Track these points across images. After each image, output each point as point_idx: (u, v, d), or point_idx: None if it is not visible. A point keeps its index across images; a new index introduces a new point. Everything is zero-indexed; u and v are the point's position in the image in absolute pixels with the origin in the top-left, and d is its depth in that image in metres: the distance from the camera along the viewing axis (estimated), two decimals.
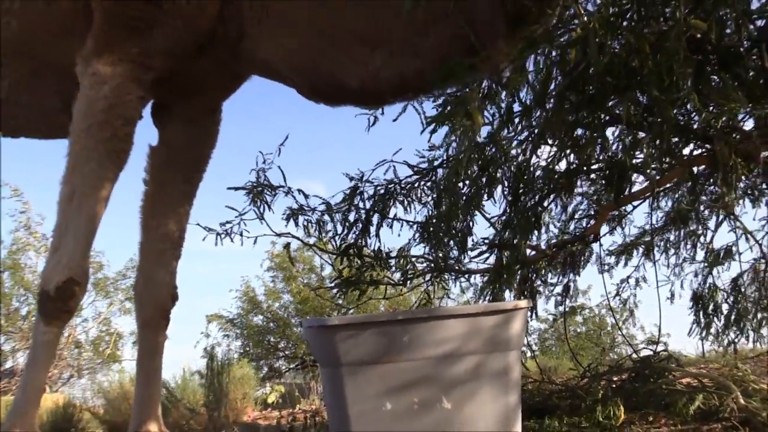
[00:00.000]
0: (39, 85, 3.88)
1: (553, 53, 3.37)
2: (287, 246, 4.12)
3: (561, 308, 4.44)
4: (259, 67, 3.66)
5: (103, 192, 3.39)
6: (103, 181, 3.38)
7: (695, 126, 3.47)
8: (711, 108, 3.35)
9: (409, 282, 4.13)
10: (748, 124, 3.49)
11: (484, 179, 3.65)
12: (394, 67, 3.26)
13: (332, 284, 4.57)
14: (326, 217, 3.91)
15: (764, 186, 3.89)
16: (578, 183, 3.88)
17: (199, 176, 4.08)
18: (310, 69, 3.44)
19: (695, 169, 3.66)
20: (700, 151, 3.60)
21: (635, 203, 4.03)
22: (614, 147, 3.66)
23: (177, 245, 4.00)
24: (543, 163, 3.85)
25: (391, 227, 3.91)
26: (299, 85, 3.55)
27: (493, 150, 3.62)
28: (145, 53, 3.43)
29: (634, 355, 4.05)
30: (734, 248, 4.17)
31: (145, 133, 4.12)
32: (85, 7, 3.54)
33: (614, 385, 3.73)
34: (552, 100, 3.46)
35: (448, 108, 3.38)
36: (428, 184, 3.85)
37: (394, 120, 3.59)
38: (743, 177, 3.64)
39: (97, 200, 3.39)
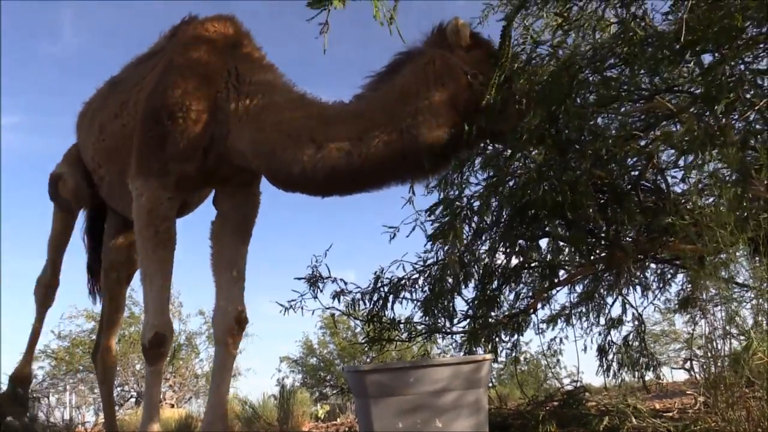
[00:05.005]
0: (123, 182, 3.49)
1: (503, 190, 3.36)
2: (332, 315, 4.05)
3: (511, 357, 4.33)
4: (238, 157, 3.17)
5: (164, 270, 3.15)
6: (162, 264, 3.14)
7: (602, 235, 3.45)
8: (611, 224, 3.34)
9: (412, 339, 4.06)
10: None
11: (462, 274, 3.61)
12: (329, 162, 2.82)
13: (362, 340, 4.49)
14: (358, 297, 3.85)
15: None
16: (522, 275, 3.83)
17: (247, 233, 3.62)
18: (268, 156, 2.98)
19: (598, 266, 3.62)
20: (600, 252, 3.58)
21: (559, 288, 3.98)
22: (546, 252, 3.63)
23: (238, 284, 3.51)
24: (497, 261, 3.84)
25: (401, 303, 3.85)
26: (260, 168, 3.13)
27: (467, 255, 3.59)
28: (163, 165, 3.14)
29: (562, 388, 3.93)
30: (624, 317, 4.09)
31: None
32: None
33: (549, 410, 3.60)
34: (504, 223, 3.45)
35: (443, 229, 3.34)
36: (425, 276, 3.80)
37: (407, 236, 3.52)
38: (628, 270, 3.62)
39: (162, 276, 3.14)
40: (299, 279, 3.80)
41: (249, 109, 3.07)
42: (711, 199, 2.95)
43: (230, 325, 3.38)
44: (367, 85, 2.99)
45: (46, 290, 4.27)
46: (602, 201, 3.27)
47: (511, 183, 3.29)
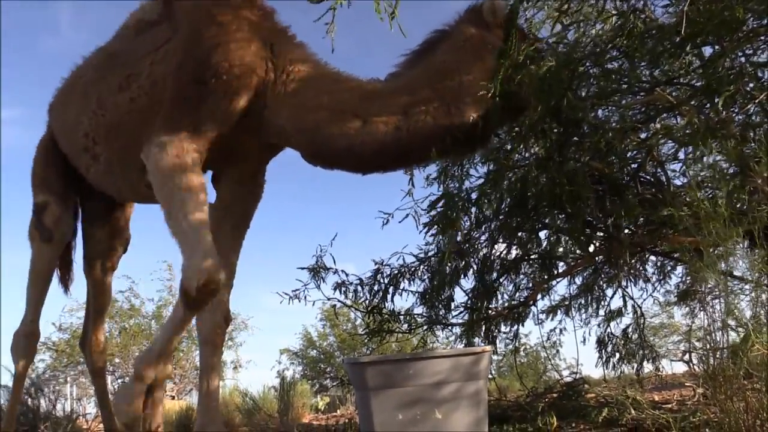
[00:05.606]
0: (125, 159, 3.33)
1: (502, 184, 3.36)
2: (334, 306, 4.04)
3: (510, 347, 4.36)
4: (275, 133, 3.06)
5: (199, 217, 2.80)
6: (195, 205, 2.81)
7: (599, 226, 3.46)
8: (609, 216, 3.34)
9: (412, 331, 4.07)
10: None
11: (461, 264, 3.62)
12: (377, 136, 2.79)
13: (362, 332, 4.51)
14: (360, 288, 3.86)
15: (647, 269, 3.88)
16: (522, 267, 3.84)
17: (245, 227, 3.46)
18: (312, 131, 2.91)
19: (597, 258, 3.64)
20: (600, 244, 3.60)
21: (558, 279, 3.99)
22: (544, 243, 3.64)
23: (228, 280, 3.33)
24: (496, 253, 3.85)
25: (401, 295, 3.87)
26: (302, 144, 3.01)
27: (467, 245, 3.59)
28: (196, 124, 2.94)
29: (561, 380, 3.96)
30: (623, 309, 4.11)
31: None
32: (159, 102, 3.12)
33: (549, 401, 3.62)
34: (503, 214, 3.45)
35: (437, 218, 3.35)
36: (425, 267, 3.81)
37: (400, 222, 3.44)
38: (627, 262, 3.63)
39: (200, 221, 2.80)
40: (302, 269, 3.80)
41: (287, 83, 2.98)
42: (710, 192, 2.95)
43: (219, 322, 3.26)
44: (403, 63, 2.98)
45: (28, 341, 3.75)
46: (600, 193, 3.28)
47: (510, 175, 3.29)
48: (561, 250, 3.55)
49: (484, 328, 3.83)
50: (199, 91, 2.93)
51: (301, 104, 2.93)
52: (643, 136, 3.15)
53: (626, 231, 3.47)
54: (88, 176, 3.65)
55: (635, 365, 4.21)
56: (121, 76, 3.32)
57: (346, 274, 3.85)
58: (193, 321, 3.25)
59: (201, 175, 2.91)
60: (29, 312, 3.75)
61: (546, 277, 3.75)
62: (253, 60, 2.99)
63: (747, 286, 2.60)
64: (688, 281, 3.84)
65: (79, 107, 3.52)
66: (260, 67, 3.00)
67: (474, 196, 3.37)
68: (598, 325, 4.17)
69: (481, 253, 3.79)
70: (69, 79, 3.88)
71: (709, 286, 2.56)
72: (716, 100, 2.13)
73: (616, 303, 4.10)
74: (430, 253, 3.79)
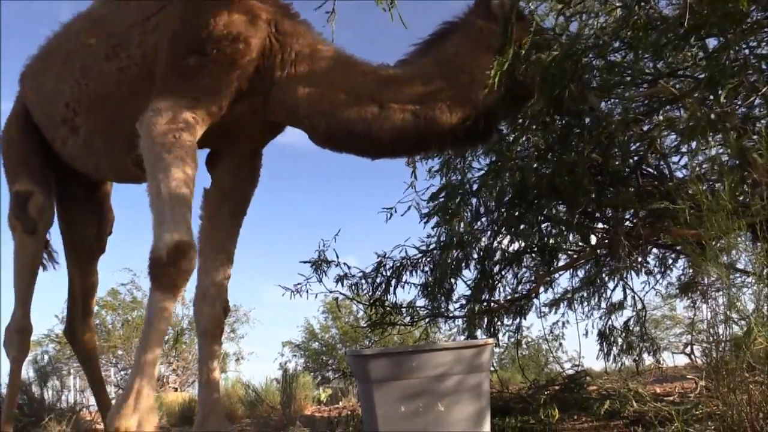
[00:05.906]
0: (110, 132, 3.21)
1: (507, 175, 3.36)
2: (336, 299, 4.05)
3: (513, 340, 4.36)
4: (285, 113, 3.00)
5: (184, 180, 2.65)
6: (180, 174, 2.65)
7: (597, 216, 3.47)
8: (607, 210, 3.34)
9: (414, 323, 4.08)
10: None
11: (463, 256, 3.63)
12: (395, 122, 2.79)
13: (365, 324, 4.52)
14: (362, 281, 3.87)
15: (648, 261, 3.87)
16: (524, 259, 3.84)
17: (243, 211, 3.37)
18: (327, 112, 2.86)
19: (599, 251, 3.63)
20: (601, 236, 3.59)
21: (561, 272, 3.99)
22: (547, 236, 3.65)
23: (226, 267, 3.26)
24: (497, 244, 3.85)
25: (403, 288, 3.87)
26: (315, 126, 2.93)
27: (469, 237, 3.59)
28: (194, 94, 2.84)
29: (563, 372, 3.97)
30: (624, 302, 4.12)
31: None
32: (149, 73, 3.01)
33: (551, 393, 3.62)
34: (505, 205, 3.45)
35: (438, 208, 3.35)
36: (427, 260, 3.81)
37: (402, 215, 3.53)
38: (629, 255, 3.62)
39: (178, 189, 2.63)
40: (305, 263, 3.81)
41: (296, 63, 2.92)
42: (712, 185, 2.95)
43: (218, 314, 3.16)
44: (413, 52, 2.97)
45: (20, 336, 3.56)
46: (600, 185, 3.27)
47: (512, 165, 3.29)
48: (561, 241, 3.54)
49: (486, 321, 3.83)
50: (199, 61, 2.82)
51: (315, 85, 2.88)
52: (645, 128, 3.14)
53: (628, 223, 3.46)
54: (63, 151, 3.48)
55: (636, 358, 4.22)
56: (107, 44, 3.16)
57: (348, 267, 3.88)
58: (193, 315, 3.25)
59: (194, 146, 2.79)
60: (19, 307, 3.58)
61: (548, 269, 3.75)
62: (255, 35, 2.89)
63: (749, 279, 2.60)
64: (690, 274, 3.84)
65: (60, 76, 3.34)
66: (264, 44, 2.91)
67: (476, 187, 3.38)
68: (600, 318, 4.18)
69: (482, 244, 3.79)
70: (46, 46, 3.66)
71: (711, 279, 2.56)
72: (719, 93, 2.12)
73: (618, 295, 4.11)
74: (432, 246, 3.80)
